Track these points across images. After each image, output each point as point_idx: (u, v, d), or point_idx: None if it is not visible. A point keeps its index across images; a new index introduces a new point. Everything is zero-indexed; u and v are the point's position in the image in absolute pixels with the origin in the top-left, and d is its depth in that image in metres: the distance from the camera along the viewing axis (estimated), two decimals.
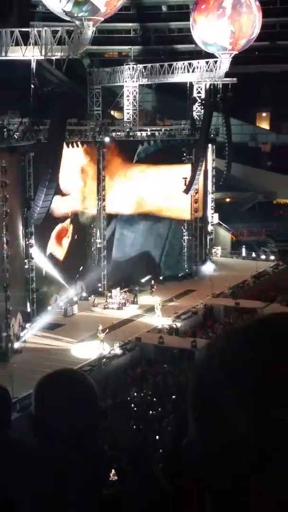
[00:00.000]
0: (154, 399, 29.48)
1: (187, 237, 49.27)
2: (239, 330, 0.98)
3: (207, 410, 0.93)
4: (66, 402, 2.48)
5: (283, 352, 0.90)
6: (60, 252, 42.04)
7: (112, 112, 58.49)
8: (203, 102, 49.87)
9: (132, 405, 29.22)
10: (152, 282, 44.29)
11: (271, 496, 0.87)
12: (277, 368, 0.89)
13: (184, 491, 2.02)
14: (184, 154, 47.69)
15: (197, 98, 51.40)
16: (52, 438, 2.43)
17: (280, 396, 0.86)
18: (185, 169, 46.83)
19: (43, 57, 40.07)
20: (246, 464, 0.87)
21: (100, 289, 43.42)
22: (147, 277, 44.93)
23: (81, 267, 42.96)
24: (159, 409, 27.72)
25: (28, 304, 37.66)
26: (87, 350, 33.67)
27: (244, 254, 53.63)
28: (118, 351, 34.02)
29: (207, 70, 50.16)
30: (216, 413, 0.91)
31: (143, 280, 45.02)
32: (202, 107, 49.68)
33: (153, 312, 39.17)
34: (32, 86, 38.94)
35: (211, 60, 50.38)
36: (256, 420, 0.86)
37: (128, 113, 51.45)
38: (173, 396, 28.42)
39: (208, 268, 50.34)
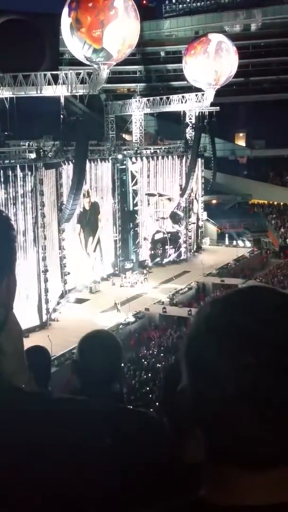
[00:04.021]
0: (161, 354, 29.50)
1: (183, 230, 48.95)
2: (219, 299, 0.99)
3: (196, 359, 0.95)
4: (100, 352, 2.65)
5: (250, 315, 0.93)
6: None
7: (123, 135, 58.16)
8: (194, 126, 49.67)
9: (143, 360, 29.24)
10: (145, 270, 43.73)
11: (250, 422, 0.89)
12: (246, 327, 0.91)
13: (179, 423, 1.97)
14: None
15: (189, 123, 51.23)
16: (90, 378, 2.59)
17: (248, 346, 0.89)
18: None
19: (69, 94, 39.75)
20: (226, 399, 0.90)
21: (117, 272, 43.32)
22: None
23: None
24: (163, 362, 27.74)
25: (62, 284, 37.56)
26: (107, 318, 33.61)
27: (227, 242, 53.45)
28: (131, 318, 34.03)
29: (196, 101, 49.75)
30: (202, 361, 0.94)
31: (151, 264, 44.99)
32: (193, 130, 49.44)
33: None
34: (61, 116, 38.78)
35: (199, 93, 49.95)
36: (232, 365, 0.89)
37: (136, 136, 51.15)
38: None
39: (199, 254, 50.16)
